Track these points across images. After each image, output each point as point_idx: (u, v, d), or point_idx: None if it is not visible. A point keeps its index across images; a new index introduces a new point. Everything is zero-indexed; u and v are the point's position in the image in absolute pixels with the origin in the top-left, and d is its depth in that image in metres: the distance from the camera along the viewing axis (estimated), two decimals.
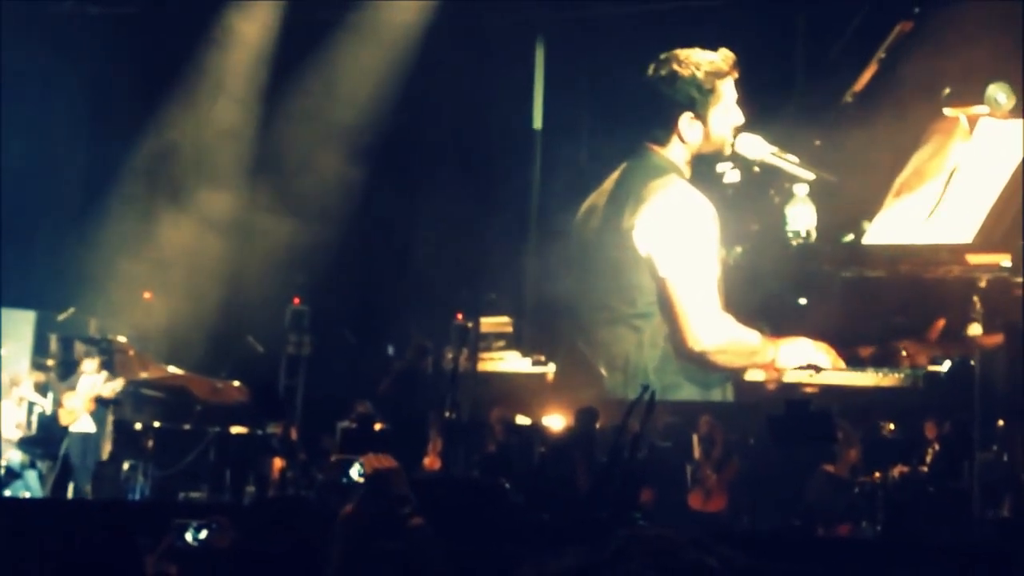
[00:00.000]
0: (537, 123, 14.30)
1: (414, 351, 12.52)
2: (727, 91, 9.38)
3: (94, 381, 12.76)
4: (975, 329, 8.71)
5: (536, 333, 11.69)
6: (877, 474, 9.22)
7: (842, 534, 9.09)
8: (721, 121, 9.40)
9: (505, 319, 11.43)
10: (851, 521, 9.21)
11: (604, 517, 7.85)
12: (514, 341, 11.15)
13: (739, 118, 9.46)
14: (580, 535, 6.64)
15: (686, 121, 9.34)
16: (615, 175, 9.70)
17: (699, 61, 9.32)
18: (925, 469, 9.12)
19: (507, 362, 10.82)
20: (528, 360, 10.66)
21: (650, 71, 9.40)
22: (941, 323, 9.20)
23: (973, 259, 8.89)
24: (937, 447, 9.16)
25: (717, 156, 9.54)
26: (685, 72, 9.26)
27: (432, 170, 14.95)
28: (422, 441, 11.41)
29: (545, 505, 8.73)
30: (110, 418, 12.94)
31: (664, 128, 9.41)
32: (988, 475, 8.44)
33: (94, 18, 14.80)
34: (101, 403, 12.78)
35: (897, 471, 9.16)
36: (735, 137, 9.45)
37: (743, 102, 9.48)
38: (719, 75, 9.31)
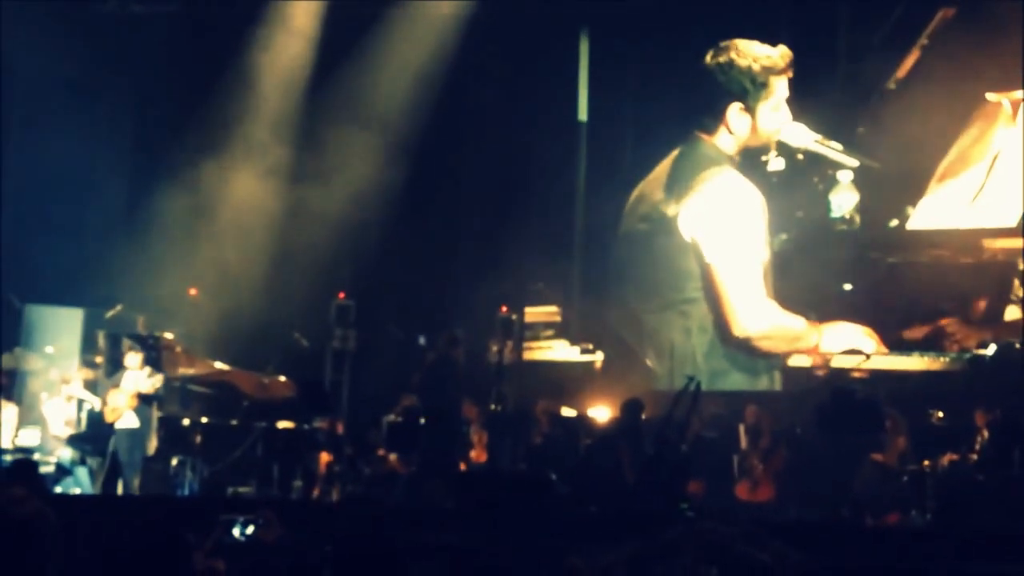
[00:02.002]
0: (582, 115, 14.25)
1: (445, 341, 12.50)
2: (779, 88, 9.37)
3: (137, 377, 12.81)
4: (1015, 311, 8.67)
5: (584, 322, 11.67)
6: (926, 462, 9.13)
7: (891, 523, 8.99)
8: (769, 117, 9.38)
9: (554, 308, 11.43)
10: (900, 510, 9.12)
11: (651, 508, 7.80)
12: (563, 330, 11.15)
13: (787, 117, 9.45)
14: (627, 526, 6.60)
15: (735, 111, 9.32)
16: (666, 163, 9.69)
17: (757, 54, 9.32)
18: (974, 457, 9.01)
19: (556, 351, 10.85)
20: (577, 348, 10.67)
21: (707, 58, 9.40)
22: (983, 305, 9.13)
23: (1015, 242, 8.84)
24: (986, 435, 9.04)
25: (763, 149, 9.51)
26: (742, 62, 9.28)
27: (477, 164, 14.90)
28: (455, 429, 11.36)
29: (592, 497, 8.70)
30: (155, 414, 12.98)
31: (713, 116, 9.41)
32: None
33: (139, 18, 14.85)
34: (143, 399, 12.83)
35: (946, 459, 9.06)
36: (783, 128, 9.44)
37: (789, 88, 9.44)
38: (774, 71, 9.32)
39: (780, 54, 9.30)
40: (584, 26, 14.07)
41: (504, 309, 11.21)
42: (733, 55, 9.21)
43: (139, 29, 14.69)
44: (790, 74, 9.33)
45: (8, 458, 12.86)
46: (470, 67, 14.13)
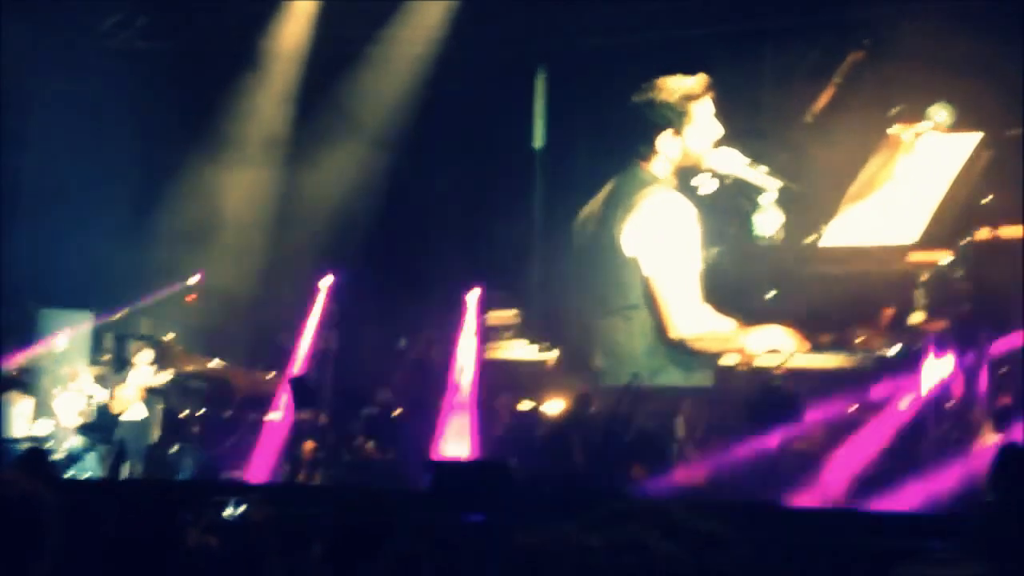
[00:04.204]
0: (538, 143, 14.38)
1: (423, 342, 12.54)
2: (700, 111, 9.42)
3: (146, 373, 12.84)
4: (918, 317, 8.83)
5: (541, 324, 11.75)
6: None
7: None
8: (697, 138, 9.45)
9: (513, 312, 11.49)
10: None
11: (599, 491, 7.87)
12: (522, 331, 11.22)
13: (718, 132, 9.51)
14: (577, 507, 6.66)
15: (665, 139, 9.39)
16: (608, 187, 9.78)
17: (674, 87, 9.38)
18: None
19: (516, 350, 10.90)
20: (536, 347, 10.74)
21: (634, 97, 9.47)
22: (890, 312, 9.28)
23: (917, 257, 9.00)
24: None
25: (696, 169, 9.58)
26: (660, 97, 9.33)
27: (447, 185, 14.94)
28: (431, 422, 11.42)
29: (546, 480, 8.76)
30: (159, 406, 12.99)
31: (647, 145, 9.47)
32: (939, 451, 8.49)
33: (142, 53, 14.90)
34: (152, 392, 12.86)
35: None
36: (715, 149, 9.50)
37: (720, 119, 9.52)
38: (692, 97, 9.36)
39: (696, 82, 9.37)
40: (541, 64, 14.23)
41: None
42: (652, 93, 9.29)
43: (143, 61, 14.75)
44: (711, 95, 9.39)
45: (23, 446, 12.83)
46: (440, 99, 14.20)
